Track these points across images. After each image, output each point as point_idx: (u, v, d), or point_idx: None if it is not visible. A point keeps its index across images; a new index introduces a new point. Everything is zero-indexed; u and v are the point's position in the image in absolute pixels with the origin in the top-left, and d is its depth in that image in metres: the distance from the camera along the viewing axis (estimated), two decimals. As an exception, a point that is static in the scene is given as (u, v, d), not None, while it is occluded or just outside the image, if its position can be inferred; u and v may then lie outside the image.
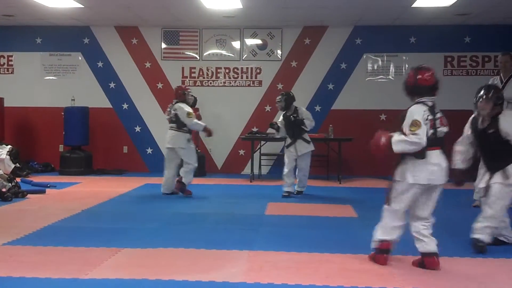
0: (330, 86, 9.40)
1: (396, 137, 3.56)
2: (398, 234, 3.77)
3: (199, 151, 9.32)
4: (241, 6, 7.82)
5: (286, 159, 6.87)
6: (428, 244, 3.67)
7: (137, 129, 9.73)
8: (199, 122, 6.96)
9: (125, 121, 9.69)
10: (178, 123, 6.81)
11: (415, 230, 3.74)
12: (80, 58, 9.73)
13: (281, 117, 6.98)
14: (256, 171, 8.83)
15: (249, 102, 9.46)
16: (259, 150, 8.97)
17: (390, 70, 9.41)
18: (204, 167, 9.28)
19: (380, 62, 9.42)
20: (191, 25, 9.42)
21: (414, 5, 7.67)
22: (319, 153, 9.14)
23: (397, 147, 3.53)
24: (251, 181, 8.43)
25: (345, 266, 3.74)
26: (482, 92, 4.14)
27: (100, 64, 9.69)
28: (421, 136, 3.48)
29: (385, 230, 3.77)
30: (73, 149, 9.14)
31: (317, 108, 9.40)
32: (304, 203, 6.45)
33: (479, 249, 4.07)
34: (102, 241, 4.34)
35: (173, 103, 6.91)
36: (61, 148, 9.55)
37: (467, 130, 4.35)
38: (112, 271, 3.57)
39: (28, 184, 7.41)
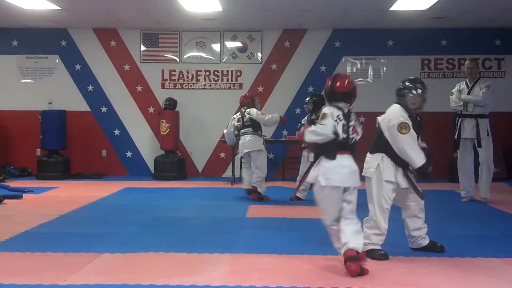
0: (310, 89, 9.44)
1: (309, 128, 3.77)
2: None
3: (179, 153, 9.30)
4: (221, 9, 7.82)
5: (302, 166, 6.72)
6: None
7: (116, 132, 9.63)
8: (273, 115, 6.92)
9: (103, 125, 9.58)
10: (253, 127, 6.81)
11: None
12: (57, 61, 9.59)
13: (305, 118, 6.86)
14: (237, 174, 8.83)
15: (230, 104, 9.43)
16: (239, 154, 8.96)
17: (369, 73, 9.52)
18: (185, 170, 9.24)
19: (358, 65, 9.53)
20: (171, 28, 9.38)
21: (391, 8, 7.78)
22: (299, 155, 9.19)
23: (307, 137, 3.72)
24: (232, 184, 8.42)
25: (326, 268, 3.77)
26: (419, 85, 4.17)
27: (78, 66, 9.57)
28: (328, 127, 3.64)
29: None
30: (50, 153, 9.00)
31: (298, 110, 9.44)
32: (285, 206, 6.48)
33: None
34: (81, 247, 4.29)
35: (243, 110, 6.95)
36: (38, 152, 9.39)
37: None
38: (92, 277, 3.53)
39: (5, 189, 7.25)
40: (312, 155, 6.56)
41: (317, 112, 6.57)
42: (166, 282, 3.43)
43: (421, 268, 3.78)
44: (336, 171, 3.67)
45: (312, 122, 6.59)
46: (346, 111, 3.76)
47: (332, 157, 3.68)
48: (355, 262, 3.54)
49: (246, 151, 6.80)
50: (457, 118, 6.83)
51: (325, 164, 3.69)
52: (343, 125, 3.69)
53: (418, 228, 4.19)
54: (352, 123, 3.76)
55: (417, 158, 4.00)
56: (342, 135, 3.68)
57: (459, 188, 6.90)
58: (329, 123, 3.65)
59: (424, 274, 3.65)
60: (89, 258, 3.96)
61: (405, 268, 3.78)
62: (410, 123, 4.04)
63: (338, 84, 3.77)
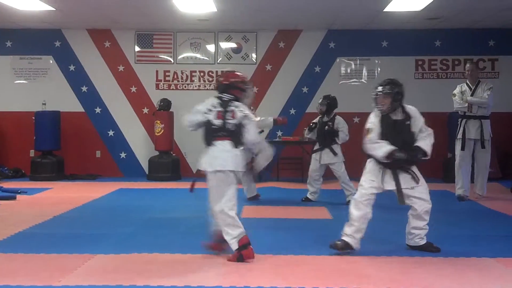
0: (305, 89, 9.47)
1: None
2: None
3: (173, 154, 9.29)
4: (216, 10, 7.82)
5: (311, 166, 6.72)
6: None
7: (110, 133, 9.60)
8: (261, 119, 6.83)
9: (98, 125, 9.55)
10: None
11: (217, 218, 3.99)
12: (51, 62, 9.56)
13: (317, 119, 6.81)
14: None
15: (224, 105, 9.45)
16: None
17: (363, 74, 9.55)
18: (179, 171, 9.23)
19: (353, 66, 9.55)
20: (165, 28, 9.37)
21: (386, 9, 7.80)
22: (293, 156, 9.20)
23: (183, 122, 4.18)
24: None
25: (321, 268, 3.77)
26: (380, 87, 4.24)
27: (72, 67, 9.53)
28: (190, 118, 4.13)
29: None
30: (44, 154, 8.95)
31: (292, 111, 9.46)
32: (279, 206, 6.48)
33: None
34: (75, 248, 4.27)
35: None
36: (32, 153, 9.35)
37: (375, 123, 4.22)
38: (86, 278, 3.51)
39: (-2, 191, 7.22)
40: (324, 156, 6.51)
41: (330, 114, 6.59)
42: (161, 283, 3.42)
43: (416, 267, 3.80)
44: (218, 156, 3.91)
45: (324, 124, 6.61)
46: (226, 99, 4.04)
47: (207, 143, 4.00)
48: (249, 248, 3.83)
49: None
50: (459, 119, 6.98)
51: (207, 149, 3.99)
52: (219, 112, 3.97)
53: (419, 227, 4.21)
54: (231, 108, 3.98)
55: (378, 152, 4.08)
56: (218, 122, 3.96)
57: (454, 187, 6.96)
58: (193, 114, 4.11)
59: (419, 273, 3.66)
60: (83, 259, 3.95)
61: (400, 267, 3.79)
62: (374, 127, 4.14)
63: (223, 78, 4.18)
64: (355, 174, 8.47)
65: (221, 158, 3.90)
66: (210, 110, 3.99)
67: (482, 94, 6.73)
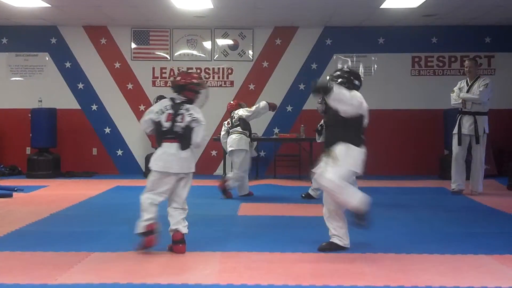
0: (301, 86, 9.46)
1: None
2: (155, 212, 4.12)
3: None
4: (212, 6, 7.80)
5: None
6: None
7: (107, 130, 9.58)
8: (259, 104, 6.95)
9: (94, 123, 9.53)
10: (242, 126, 6.83)
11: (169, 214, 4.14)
12: (47, 59, 9.52)
13: (322, 121, 6.75)
14: (228, 172, 8.81)
15: (221, 102, 9.39)
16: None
17: (360, 71, 9.54)
18: (176, 168, 9.21)
19: (349, 63, 9.55)
20: (162, 25, 9.34)
21: (382, 6, 7.80)
22: (290, 153, 9.21)
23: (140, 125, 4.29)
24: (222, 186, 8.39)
25: (318, 265, 3.78)
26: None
27: (68, 64, 9.50)
28: (144, 119, 4.16)
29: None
30: (40, 151, 8.93)
31: (289, 108, 9.46)
32: (276, 203, 6.48)
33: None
34: (72, 245, 4.26)
35: (231, 114, 7.05)
36: (28, 150, 9.32)
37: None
38: (82, 276, 3.51)
39: (-6, 188, 7.20)
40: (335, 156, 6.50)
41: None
42: (157, 280, 3.41)
43: (412, 265, 3.80)
44: (161, 158, 4.04)
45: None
46: (177, 101, 4.12)
47: (158, 145, 4.11)
48: (183, 244, 4.02)
49: (230, 149, 6.82)
50: (457, 115, 7.07)
51: (157, 151, 4.11)
52: (169, 115, 4.04)
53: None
54: (181, 111, 4.07)
55: None
56: (166, 124, 4.04)
57: (449, 185, 7.00)
58: (146, 117, 4.14)
59: (416, 271, 3.67)
60: (80, 257, 3.94)
61: (396, 265, 3.80)
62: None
63: (176, 78, 4.25)
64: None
65: (165, 160, 4.03)
66: (162, 112, 4.08)
67: (476, 90, 6.79)
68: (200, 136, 4.11)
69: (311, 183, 6.69)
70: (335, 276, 3.52)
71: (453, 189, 7.00)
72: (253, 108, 6.94)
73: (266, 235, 4.74)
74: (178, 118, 4.05)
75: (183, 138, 4.05)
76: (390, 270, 3.67)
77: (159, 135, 4.10)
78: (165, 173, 4.04)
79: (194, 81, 4.20)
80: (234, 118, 6.98)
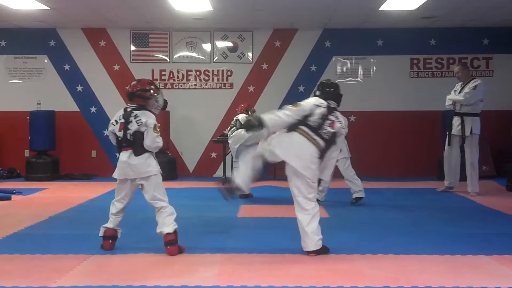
0: (301, 88, 9.47)
1: None
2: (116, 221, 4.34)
3: (170, 154, 9.27)
4: (211, 9, 7.80)
5: None
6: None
7: (106, 132, 9.56)
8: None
9: (93, 125, 9.52)
10: (238, 125, 6.86)
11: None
12: (46, 61, 9.52)
13: None
14: (228, 174, 8.81)
15: (221, 104, 9.44)
16: (231, 153, 8.94)
17: (359, 72, 9.56)
18: (176, 170, 9.21)
19: (349, 65, 9.56)
20: (161, 27, 9.35)
21: (381, 8, 7.82)
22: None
23: None
24: (223, 184, 8.38)
25: (317, 266, 3.77)
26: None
27: (67, 67, 9.50)
28: (109, 129, 4.31)
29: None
30: (39, 154, 8.92)
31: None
32: (275, 205, 6.48)
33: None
34: (71, 248, 4.26)
35: (234, 119, 7.11)
36: (26, 153, 9.31)
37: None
38: (81, 279, 3.50)
39: (-7, 191, 7.19)
40: (339, 154, 6.45)
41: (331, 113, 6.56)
42: (157, 283, 3.41)
43: (412, 265, 3.81)
44: (119, 166, 4.24)
45: None
46: (129, 110, 4.22)
47: (119, 153, 4.27)
48: (171, 246, 4.08)
49: (234, 146, 6.83)
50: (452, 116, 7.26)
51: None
52: (121, 124, 4.18)
53: None
54: (132, 119, 4.17)
55: None
56: (119, 134, 4.20)
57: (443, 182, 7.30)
58: (110, 129, 4.30)
59: (415, 271, 3.67)
60: (79, 259, 3.93)
61: (395, 265, 3.80)
62: None
63: (129, 86, 4.37)
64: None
65: (121, 168, 4.23)
66: (116, 122, 4.23)
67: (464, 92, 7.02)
68: (149, 139, 4.17)
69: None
70: (335, 277, 3.52)
71: (445, 186, 7.26)
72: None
73: (266, 236, 4.74)
74: (129, 126, 4.16)
75: (135, 144, 4.17)
76: (389, 271, 3.68)
77: (117, 144, 4.29)
78: (122, 180, 4.26)
79: (139, 87, 4.29)
80: (236, 122, 6.99)
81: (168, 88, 9.52)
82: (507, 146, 9.09)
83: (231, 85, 9.54)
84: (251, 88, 9.48)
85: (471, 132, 6.93)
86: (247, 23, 9.00)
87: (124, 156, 4.20)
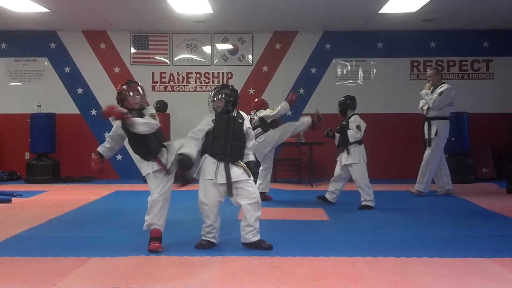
0: (301, 91, 9.48)
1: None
2: None
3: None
4: (211, 11, 7.82)
5: (336, 168, 6.52)
6: None
7: (106, 135, 9.56)
8: (281, 105, 6.82)
9: (93, 127, 9.52)
10: (262, 127, 6.76)
11: None
12: (46, 64, 9.53)
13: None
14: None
15: (220, 107, 9.43)
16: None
17: (359, 75, 9.57)
18: (176, 173, 9.18)
19: (349, 67, 9.57)
20: (161, 30, 9.36)
21: (381, 11, 7.83)
22: (291, 157, 9.21)
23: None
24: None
25: (318, 269, 3.77)
26: (214, 92, 4.71)
27: (67, 69, 9.51)
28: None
29: None
30: (39, 156, 8.92)
31: (289, 112, 9.44)
32: (276, 207, 6.47)
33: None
34: (71, 251, 4.25)
35: (252, 113, 6.96)
36: (27, 155, 9.31)
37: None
38: (82, 281, 3.50)
39: (-7, 193, 7.18)
40: (342, 158, 6.43)
41: (344, 114, 6.46)
42: (157, 285, 3.40)
43: (412, 268, 3.80)
44: None
45: (341, 125, 6.45)
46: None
47: None
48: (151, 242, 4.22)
49: (264, 150, 6.72)
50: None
51: None
52: None
53: (246, 225, 4.34)
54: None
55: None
56: None
57: (436, 185, 7.35)
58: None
59: (415, 274, 3.66)
60: (79, 262, 3.92)
61: (396, 268, 3.79)
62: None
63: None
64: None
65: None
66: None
67: (431, 96, 7.18)
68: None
69: (329, 186, 6.63)
70: (335, 280, 3.51)
71: (445, 190, 7.34)
72: (277, 109, 6.76)
73: (266, 239, 4.71)
74: None
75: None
76: (390, 274, 3.67)
77: None
78: None
79: (118, 94, 4.47)
80: (254, 119, 6.81)
81: (169, 91, 9.54)
82: (507, 148, 9.09)
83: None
84: (251, 91, 9.48)
85: (436, 135, 7.07)
86: (247, 25, 9.01)
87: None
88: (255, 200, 4.35)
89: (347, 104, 6.48)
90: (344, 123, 6.42)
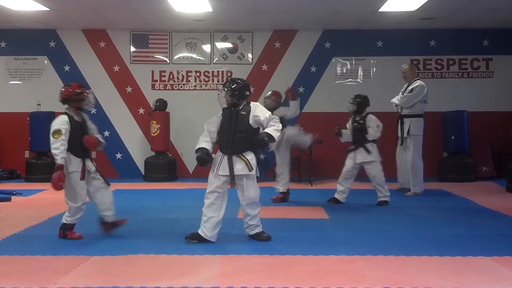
0: (301, 89, 9.47)
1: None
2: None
3: (170, 155, 9.27)
4: (211, 10, 7.81)
5: (346, 165, 6.53)
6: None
7: (106, 133, 9.57)
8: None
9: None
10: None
11: None
12: (46, 62, 9.52)
13: (350, 121, 6.74)
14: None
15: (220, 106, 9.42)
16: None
17: (359, 74, 9.56)
18: (176, 171, 9.21)
19: (348, 66, 9.57)
20: (161, 28, 9.35)
21: (381, 9, 7.83)
22: (291, 157, 9.19)
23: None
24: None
25: (317, 268, 3.77)
26: (221, 87, 4.73)
27: (67, 68, 9.50)
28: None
29: None
30: (39, 155, 8.91)
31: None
32: (276, 206, 6.47)
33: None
34: (70, 249, 4.25)
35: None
36: (26, 154, 9.31)
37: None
38: (81, 280, 3.50)
39: (-7, 192, 7.18)
40: (358, 156, 6.41)
41: (361, 113, 6.52)
42: (157, 284, 3.41)
43: (412, 267, 3.80)
44: None
45: (357, 123, 6.51)
46: (70, 114, 4.76)
47: None
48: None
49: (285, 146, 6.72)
50: None
51: None
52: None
53: (245, 221, 4.58)
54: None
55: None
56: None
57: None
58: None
59: (415, 273, 3.67)
60: (79, 260, 3.93)
61: (396, 267, 3.80)
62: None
63: (61, 91, 4.82)
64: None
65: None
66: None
67: (403, 94, 7.29)
68: (51, 143, 4.60)
69: (337, 186, 6.64)
70: (335, 278, 3.52)
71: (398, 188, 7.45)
72: (291, 111, 6.82)
73: (265, 238, 4.73)
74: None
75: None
76: (390, 272, 3.67)
77: None
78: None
79: (72, 92, 4.78)
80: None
81: (168, 89, 9.53)
82: (507, 147, 9.09)
83: (231, 86, 9.53)
84: (251, 89, 9.46)
85: (408, 133, 7.11)
86: (247, 24, 9.00)
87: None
88: (251, 201, 4.47)
89: (365, 103, 6.59)
90: (361, 121, 6.47)
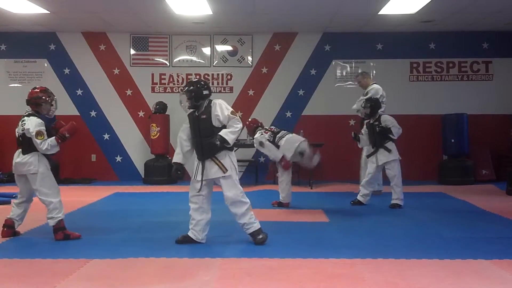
0: (301, 92, 9.48)
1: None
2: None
3: (169, 158, 9.25)
4: (211, 13, 7.82)
5: (368, 169, 6.59)
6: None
7: (106, 136, 9.58)
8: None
9: (93, 129, 9.52)
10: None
11: None
12: (46, 65, 9.53)
13: (364, 126, 6.76)
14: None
15: (220, 108, 9.43)
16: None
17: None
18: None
19: (348, 68, 9.58)
20: (161, 31, 9.36)
21: (380, 12, 7.83)
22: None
23: None
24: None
25: (318, 271, 3.77)
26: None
27: (66, 70, 9.51)
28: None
29: None
30: (39, 158, 8.89)
31: (288, 113, 9.47)
32: (276, 209, 6.47)
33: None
34: (70, 252, 4.25)
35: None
36: (26, 157, 9.29)
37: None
38: (81, 283, 3.50)
39: (-7, 195, 7.18)
40: (380, 157, 6.45)
41: (375, 115, 6.58)
42: (158, 287, 3.40)
43: (412, 270, 3.80)
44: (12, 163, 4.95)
45: (371, 126, 6.58)
46: (25, 114, 4.87)
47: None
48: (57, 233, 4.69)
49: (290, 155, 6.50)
50: None
51: None
52: (19, 126, 4.84)
53: (239, 216, 4.56)
54: (20, 124, 4.82)
55: None
56: (17, 134, 4.92)
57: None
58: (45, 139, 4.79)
59: (415, 276, 3.66)
60: (79, 264, 3.92)
61: (395, 270, 3.80)
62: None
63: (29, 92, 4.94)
64: (353, 176, 8.47)
65: (13, 165, 4.97)
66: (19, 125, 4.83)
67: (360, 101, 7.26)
68: (36, 145, 4.74)
69: (360, 188, 6.65)
70: (335, 282, 3.51)
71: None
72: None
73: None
74: (17, 129, 4.91)
75: (21, 145, 4.87)
76: (390, 275, 3.67)
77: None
78: (16, 176, 4.96)
79: (33, 95, 4.95)
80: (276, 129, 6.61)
81: (168, 92, 9.53)
82: (507, 150, 9.10)
83: (231, 89, 9.55)
84: (250, 92, 9.49)
85: None
86: (247, 27, 9.01)
87: (16, 154, 4.92)
88: (232, 201, 4.51)
89: (377, 106, 6.66)
90: (381, 125, 6.51)
